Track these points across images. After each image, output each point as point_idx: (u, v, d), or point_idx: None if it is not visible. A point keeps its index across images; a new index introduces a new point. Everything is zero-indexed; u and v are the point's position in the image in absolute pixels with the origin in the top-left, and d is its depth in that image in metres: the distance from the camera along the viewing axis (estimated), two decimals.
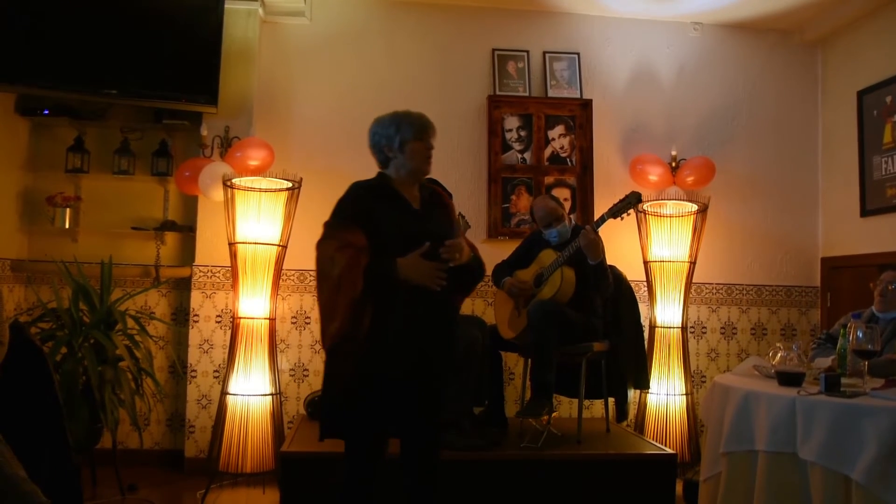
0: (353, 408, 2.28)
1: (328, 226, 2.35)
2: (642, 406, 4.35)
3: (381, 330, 2.27)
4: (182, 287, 4.31)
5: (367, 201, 2.37)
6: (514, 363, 4.40)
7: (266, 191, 3.86)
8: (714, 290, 4.68)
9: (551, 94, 4.59)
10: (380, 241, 2.30)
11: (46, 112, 4.12)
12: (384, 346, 2.27)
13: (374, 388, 2.26)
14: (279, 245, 3.88)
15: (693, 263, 4.32)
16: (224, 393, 3.78)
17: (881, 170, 4.23)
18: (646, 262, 4.40)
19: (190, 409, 4.17)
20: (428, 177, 2.57)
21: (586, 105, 4.59)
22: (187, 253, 4.30)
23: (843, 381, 2.53)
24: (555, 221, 3.66)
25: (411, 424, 2.37)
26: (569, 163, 4.60)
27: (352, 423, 2.30)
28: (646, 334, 4.14)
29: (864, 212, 4.36)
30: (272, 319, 3.91)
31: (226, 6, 4.07)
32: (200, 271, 4.22)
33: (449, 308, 2.44)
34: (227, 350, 4.05)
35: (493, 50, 4.59)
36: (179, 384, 4.26)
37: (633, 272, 4.22)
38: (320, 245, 2.31)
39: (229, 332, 4.04)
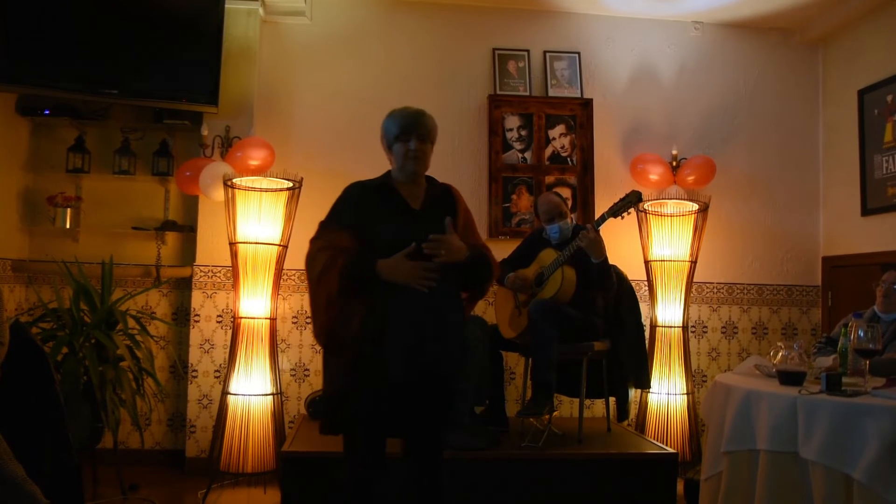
0: (344, 407, 2.28)
1: (319, 226, 2.40)
2: (643, 405, 4.35)
3: (372, 331, 2.24)
4: (183, 287, 4.31)
5: (362, 201, 2.37)
6: (514, 363, 4.40)
7: (267, 190, 3.86)
8: (715, 290, 4.68)
9: (552, 93, 4.59)
10: (371, 241, 2.29)
11: (47, 112, 4.12)
12: (376, 347, 2.23)
13: (366, 388, 2.24)
14: (280, 245, 3.88)
15: (694, 263, 4.32)
16: (225, 393, 3.79)
17: (882, 169, 4.23)
18: (646, 262, 4.40)
19: (191, 408, 4.17)
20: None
21: (587, 104, 4.58)
22: (188, 253, 4.31)
23: (845, 380, 2.52)
24: (557, 217, 3.66)
25: (410, 426, 2.34)
26: (569, 162, 4.60)
27: (345, 421, 2.29)
28: (647, 334, 4.13)
29: (865, 211, 4.36)
30: (273, 319, 3.91)
31: (226, 6, 4.08)
32: (201, 271, 4.22)
33: (449, 309, 2.34)
34: (227, 350, 4.05)
35: (494, 49, 4.59)
36: (180, 384, 4.26)
37: (633, 272, 4.22)
38: (310, 244, 2.37)
39: (230, 332, 4.05)
